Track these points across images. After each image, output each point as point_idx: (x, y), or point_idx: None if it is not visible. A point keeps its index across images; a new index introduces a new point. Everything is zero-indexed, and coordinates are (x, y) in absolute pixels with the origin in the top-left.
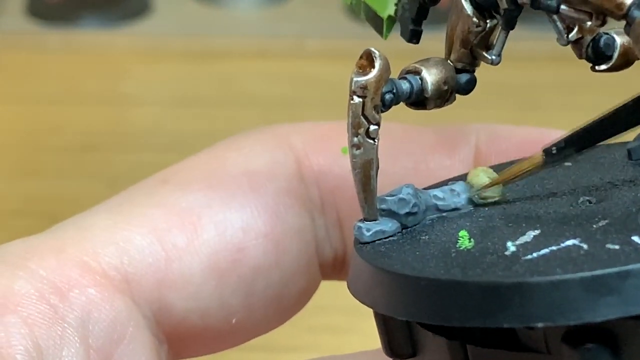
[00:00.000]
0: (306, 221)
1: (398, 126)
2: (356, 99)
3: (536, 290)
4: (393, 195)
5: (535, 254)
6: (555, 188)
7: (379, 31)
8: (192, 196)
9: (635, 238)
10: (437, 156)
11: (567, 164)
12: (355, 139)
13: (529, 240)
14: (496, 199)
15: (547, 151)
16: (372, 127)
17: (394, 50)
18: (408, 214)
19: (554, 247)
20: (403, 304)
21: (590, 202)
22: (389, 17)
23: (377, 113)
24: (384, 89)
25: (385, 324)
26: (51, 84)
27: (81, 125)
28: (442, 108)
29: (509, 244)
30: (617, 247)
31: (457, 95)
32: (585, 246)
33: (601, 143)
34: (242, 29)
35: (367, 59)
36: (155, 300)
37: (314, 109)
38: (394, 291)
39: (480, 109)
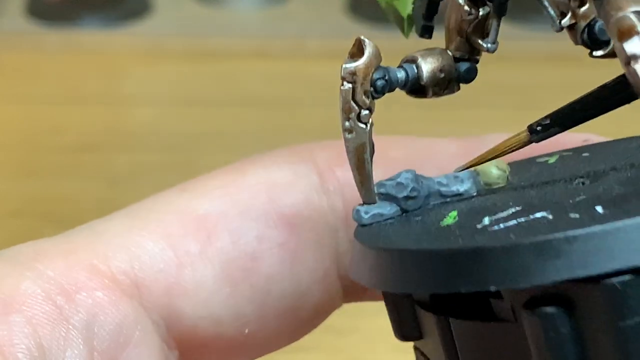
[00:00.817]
0: (325, 233)
1: (422, 140)
2: (346, 85)
3: (489, 256)
4: (392, 180)
5: (502, 225)
6: (561, 174)
7: (402, 30)
8: (208, 204)
9: (598, 208)
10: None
11: (585, 154)
12: (347, 124)
13: (504, 215)
14: (500, 185)
15: (531, 128)
16: (364, 112)
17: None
18: (407, 197)
19: (522, 219)
20: (379, 275)
21: (583, 184)
22: (408, 15)
23: (368, 98)
24: (376, 75)
25: (393, 308)
26: (51, 84)
27: (81, 125)
28: (445, 109)
29: (486, 218)
30: (577, 215)
31: (457, 96)
32: (550, 217)
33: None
34: (242, 29)
35: (357, 47)
36: (165, 306)
37: (314, 109)
38: (373, 265)
39: (480, 109)
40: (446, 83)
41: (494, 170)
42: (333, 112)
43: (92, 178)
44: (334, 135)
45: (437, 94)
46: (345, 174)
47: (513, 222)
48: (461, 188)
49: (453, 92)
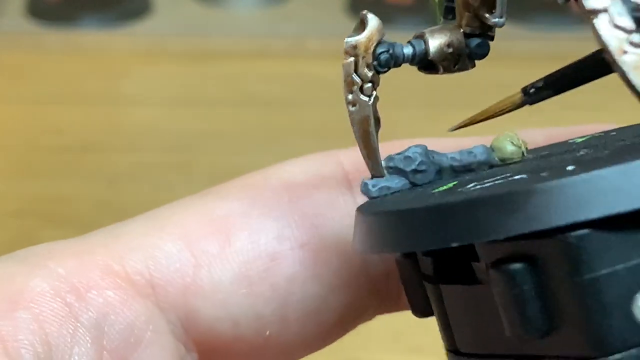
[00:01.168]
0: (349, 233)
1: (446, 140)
2: (348, 58)
3: (453, 212)
4: (400, 154)
5: (479, 186)
6: (575, 149)
7: (437, 17)
8: (228, 205)
9: (569, 167)
10: None
11: (612, 133)
12: (350, 96)
13: (491, 180)
14: (515, 160)
15: (525, 90)
16: (366, 85)
17: None
18: (415, 171)
19: (500, 181)
20: (362, 239)
21: (587, 154)
22: (440, 1)
23: (371, 71)
24: (380, 49)
25: (407, 286)
26: (51, 84)
27: (81, 125)
28: (446, 109)
29: (473, 184)
30: (546, 174)
31: (457, 96)
32: (526, 177)
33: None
34: (242, 29)
35: (361, 23)
36: (182, 307)
37: (315, 109)
38: (361, 230)
39: (480, 109)
40: (456, 58)
41: (509, 147)
42: (333, 112)
43: (92, 178)
44: (334, 135)
45: (447, 69)
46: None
47: (490, 183)
48: (473, 163)
49: (467, 68)
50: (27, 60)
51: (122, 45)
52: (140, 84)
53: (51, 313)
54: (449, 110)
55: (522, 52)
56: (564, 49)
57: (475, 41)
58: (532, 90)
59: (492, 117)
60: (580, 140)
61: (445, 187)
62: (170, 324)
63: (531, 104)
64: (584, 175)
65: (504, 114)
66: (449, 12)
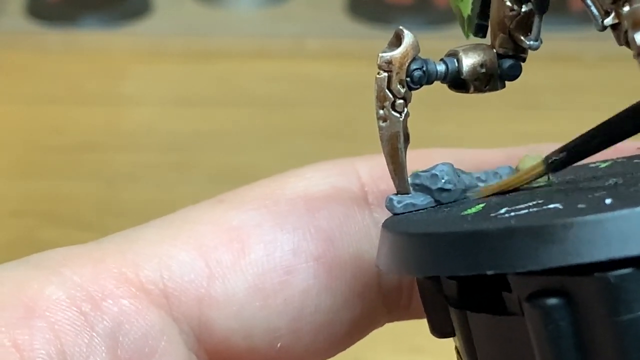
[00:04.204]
0: (364, 247)
1: (469, 151)
2: (382, 73)
3: (487, 239)
4: (427, 171)
5: (513, 213)
6: (602, 176)
7: (464, 31)
8: (244, 215)
9: (607, 200)
10: None
11: (636, 160)
12: (381, 112)
13: (522, 206)
14: (540, 184)
15: (547, 160)
16: (398, 101)
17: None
18: (441, 189)
19: (535, 209)
20: (387, 258)
21: (617, 184)
22: (468, 16)
23: (403, 87)
24: (413, 66)
25: (429, 305)
26: (51, 84)
27: (81, 125)
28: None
29: (504, 209)
30: (584, 205)
31: (458, 95)
32: (561, 207)
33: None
34: (241, 29)
35: (396, 37)
36: (195, 317)
37: (314, 109)
38: (387, 249)
39: (480, 109)
40: (488, 78)
41: (532, 163)
42: (333, 111)
43: (92, 178)
44: (334, 134)
45: (478, 89)
46: (390, 187)
47: (525, 211)
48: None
49: (497, 89)
50: (27, 60)
51: (122, 45)
52: (141, 83)
53: (67, 322)
54: (449, 109)
55: None
56: (564, 49)
57: (507, 62)
58: (555, 160)
59: (514, 187)
60: (603, 165)
61: (474, 210)
62: (183, 334)
63: (554, 172)
64: (626, 211)
65: (527, 184)
66: (480, 30)
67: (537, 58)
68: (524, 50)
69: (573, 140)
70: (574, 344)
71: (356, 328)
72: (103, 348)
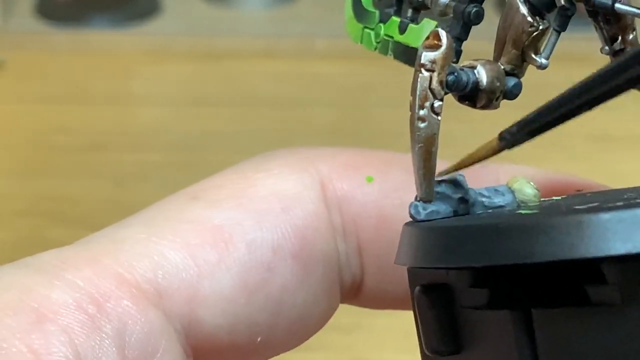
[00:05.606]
0: (331, 245)
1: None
2: (425, 73)
3: (582, 224)
4: (448, 180)
5: (584, 206)
6: (620, 191)
7: (412, 63)
8: (223, 214)
9: None
10: None
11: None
12: (422, 112)
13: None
14: (535, 203)
15: (501, 136)
16: (437, 103)
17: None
18: (460, 199)
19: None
20: (430, 253)
21: (632, 199)
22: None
23: (442, 89)
24: (449, 70)
25: (423, 317)
26: (59, 83)
27: (89, 125)
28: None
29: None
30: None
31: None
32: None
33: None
34: (250, 29)
35: (435, 38)
36: (186, 315)
37: (322, 109)
38: (426, 244)
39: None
40: (498, 94)
41: (529, 189)
42: (341, 111)
43: (99, 177)
44: (341, 134)
45: (486, 104)
46: (344, 186)
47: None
48: (503, 201)
49: (497, 106)
50: (36, 59)
51: (131, 45)
52: (149, 83)
53: (78, 325)
54: (449, 109)
55: None
56: (564, 48)
57: (512, 81)
58: (507, 135)
59: (475, 163)
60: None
61: (528, 211)
62: (176, 332)
63: (509, 148)
64: None
65: (485, 159)
66: (457, 55)
67: None
68: (524, 69)
69: (526, 116)
70: None
71: (322, 321)
72: (113, 349)
